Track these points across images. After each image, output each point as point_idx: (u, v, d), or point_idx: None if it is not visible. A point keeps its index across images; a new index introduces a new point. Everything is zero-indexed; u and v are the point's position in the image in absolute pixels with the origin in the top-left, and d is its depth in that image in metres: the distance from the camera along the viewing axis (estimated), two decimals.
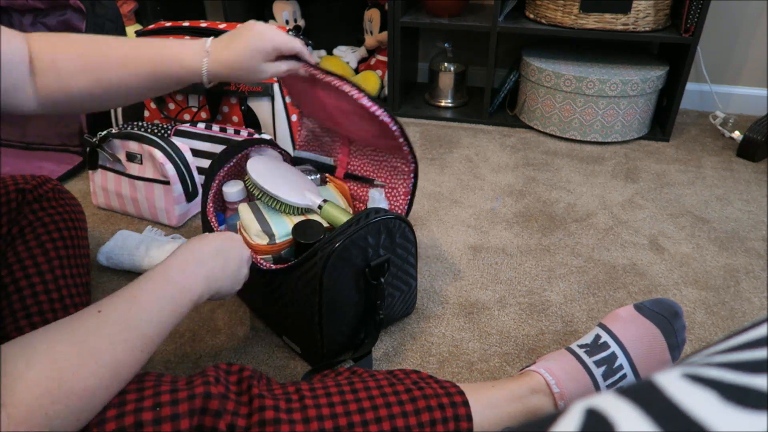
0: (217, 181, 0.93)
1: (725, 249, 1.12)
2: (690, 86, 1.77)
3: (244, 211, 0.90)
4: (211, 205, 0.91)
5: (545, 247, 1.12)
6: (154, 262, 1.01)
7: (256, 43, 0.72)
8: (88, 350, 0.49)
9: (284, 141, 1.25)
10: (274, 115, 1.22)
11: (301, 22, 1.94)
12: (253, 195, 0.91)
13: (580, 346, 0.75)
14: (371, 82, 1.80)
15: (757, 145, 1.44)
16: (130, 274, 1.05)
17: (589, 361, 0.72)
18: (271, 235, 0.84)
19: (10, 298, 0.77)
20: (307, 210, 0.89)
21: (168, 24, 1.28)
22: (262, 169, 0.90)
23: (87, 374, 0.48)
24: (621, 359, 0.72)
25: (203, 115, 1.28)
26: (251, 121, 1.24)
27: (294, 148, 1.27)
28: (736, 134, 1.57)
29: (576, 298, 0.99)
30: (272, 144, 0.98)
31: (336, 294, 0.78)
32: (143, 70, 0.69)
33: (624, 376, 0.72)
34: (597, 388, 0.71)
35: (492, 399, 0.67)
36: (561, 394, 0.69)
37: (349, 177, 1.01)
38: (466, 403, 0.64)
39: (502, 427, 0.66)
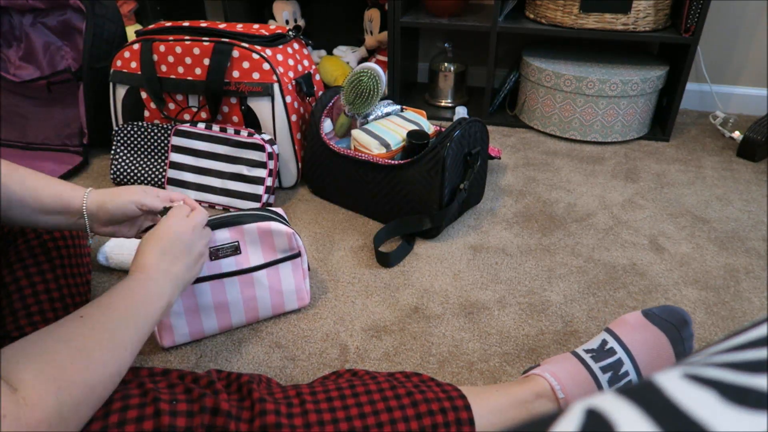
0: (322, 120, 1.22)
1: (725, 249, 1.12)
2: (690, 86, 1.77)
3: (359, 134, 1.12)
4: (323, 135, 1.20)
5: (545, 247, 1.12)
6: None
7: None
8: (77, 347, 0.51)
9: (284, 141, 1.25)
10: (274, 115, 1.22)
11: (301, 22, 1.94)
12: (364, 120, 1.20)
13: (587, 351, 0.74)
14: None
15: (757, 145, 1.44)
16: None
17: (595, 366, 0.71)
18: (387, 146, 1.11)
19: (10, 297, 0.77)
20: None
21: (168, 24, 1.28)
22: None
23: (81, 368, 0.50)
24: (627, 366, 0.71)
25: (203, 115, 1.28)
26: (251, 121, 1.24)
27: (295, 148, 1.27)
28: (736, 134, 1.57)
29: (576, 298, 0.99)
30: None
31: (449, 174, 1.06)
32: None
33: (630, 383, 0.71)
34: None
35: (495, 404, 0.66)
36: (566, 399, 0.68)
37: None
38: (468, 408, 0.63)
39: None
